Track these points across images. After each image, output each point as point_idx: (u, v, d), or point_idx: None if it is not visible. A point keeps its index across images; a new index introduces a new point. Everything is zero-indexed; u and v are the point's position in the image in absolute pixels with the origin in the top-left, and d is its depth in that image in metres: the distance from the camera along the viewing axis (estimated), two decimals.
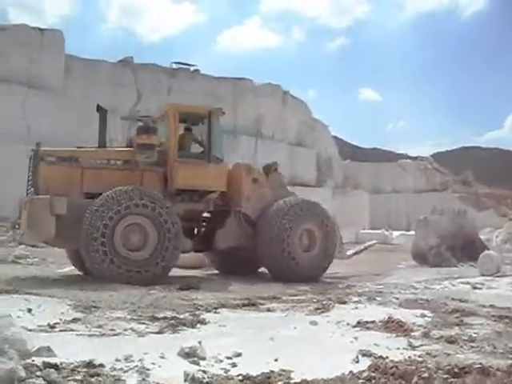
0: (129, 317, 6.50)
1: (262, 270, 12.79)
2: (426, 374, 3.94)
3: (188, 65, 35.32)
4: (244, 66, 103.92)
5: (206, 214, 12.53)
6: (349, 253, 14.77)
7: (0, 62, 25.61)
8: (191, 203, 11.78)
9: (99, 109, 11.76)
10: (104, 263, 9.92)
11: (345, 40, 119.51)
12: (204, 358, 4.49)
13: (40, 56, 26.78)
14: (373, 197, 43.12)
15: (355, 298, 8.34)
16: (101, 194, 10.39)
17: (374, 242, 16.61)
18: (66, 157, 11.01)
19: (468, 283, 10.80)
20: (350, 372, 4.09)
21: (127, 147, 11.88)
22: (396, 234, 33.72)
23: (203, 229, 12.48)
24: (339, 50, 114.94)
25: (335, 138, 47.16)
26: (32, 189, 10.83)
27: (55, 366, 4.00)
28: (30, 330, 5.19)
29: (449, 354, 4.79)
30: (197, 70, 35.29)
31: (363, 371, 4.11)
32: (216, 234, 12.09)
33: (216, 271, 13.20)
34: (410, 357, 4.62)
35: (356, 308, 7.45)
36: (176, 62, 35.01)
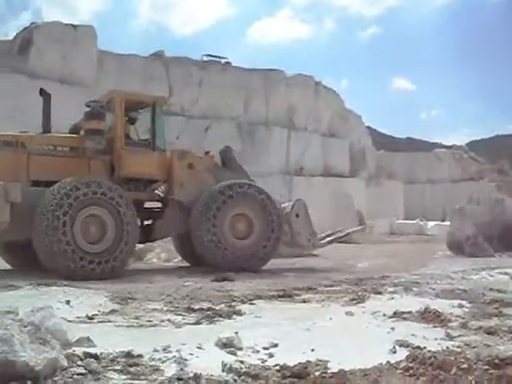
0: (165, 308, 6.57)
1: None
2: (465, 365, 3.89)
3: (219, 57, 35.34)
4: (275, 57, 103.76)
5: (155, 204, 12.28)
6: (323, 241, 14.03)
7: (35, 59, 26.00)
8: (137, 192, 11.52)
9: (42, 93, 11.35)
10: (65, 255, 9.62)
11: (376, 29, 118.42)
12: (241, 349, 4.51)
13: (73, 52, 27.06)
14: (407, 187, 42.65)
15: (391, 289, 8.25)
16: (48, 181, 10.18)
17: (357, 228, 15.61)
18: (11, 141, 10.56)
19: (506, 273, 10.61)
20: (388, 362, 4.06)
21: (71, 133, 11.54)
22: (431, 224, 33.34)
23: (150, 219, 12.09)
24: (371, 39, 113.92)
25: (368, 128, 46.71)
26: None
27: (95, 356, 4.07)
28: (69, 321, 5.27)
29: (488, 345, 4.71)
30: (228, 63, 35.27)
31: (401, 361, 4.07)
32: (154, 225, 11.82)
33: None
34: (448, 347, 4.56)
35: (392, 298, 7.38)
36: (207, 55, 35.06)
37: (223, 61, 35.13)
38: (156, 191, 12.19)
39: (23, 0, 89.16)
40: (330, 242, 14.28)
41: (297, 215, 12.60)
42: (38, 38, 26.34)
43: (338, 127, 39.02)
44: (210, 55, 35.09)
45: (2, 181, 9.74)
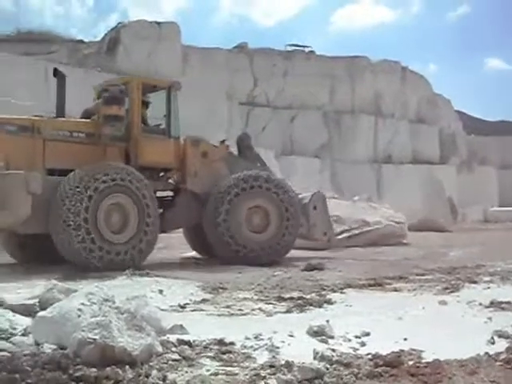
0: (256, 297, 6.62)
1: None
2: None
3: (303, 46, 35.21)
4: (360, 44, 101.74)
5: (167, 194, 11.63)
6: (340, 237, 13.49)
7: (122, 57, 26.85)
8: (152, 182, 10.76)
9: (56, 73, 10.69)
10: (85, 243, 9.16)
11: (466, 8, 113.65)
12: (332, 337, 4.48)
13: (158, 48, 27.72)
14: (501, 172, 40.91)
15: (487, 278, 7.95)
16: (62, 170, 9.63)
17: (374, 227, 14.64)
18: (27, 126, 9.78)
19: None
20: (486, 353, 3.90)
21: (82, 119, 10.84)
22: None
23: (161, 209, 11.27)
24: (461, 19, 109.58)
25: (458, 112, 45.12)
26: (1, 163, 9.32)
27: (188, 343, 4.16)
28: (162, 310, 5.42)
29: None
30: (312, 51, 35.07)
31: (500, 353, 3.91)
32: (164, 215, 11.01)
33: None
34: None
35: (488, 288, 7.10)
36: (291, 45, 35.01)
37: (307, 50, 34.98)
38: (170, 180, 11.55)
39: (110, 2, 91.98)
40: (345, 242, 13.80)
41: (314, 207, 12.16)
42: (125, 37, 27.19)
43: (427, 113, 37.99)
44: (293, 45, 35.02)
45: (18, 169, 9.21)
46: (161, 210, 10.92)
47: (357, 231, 14.83)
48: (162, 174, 11.38)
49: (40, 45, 26.56)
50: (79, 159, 9.75)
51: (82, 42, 29.34)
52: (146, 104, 11.26)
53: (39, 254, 10.27)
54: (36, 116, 10.31)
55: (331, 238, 12.79)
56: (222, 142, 12.26)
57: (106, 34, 28.46)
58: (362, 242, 14.73)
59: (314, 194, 12.55)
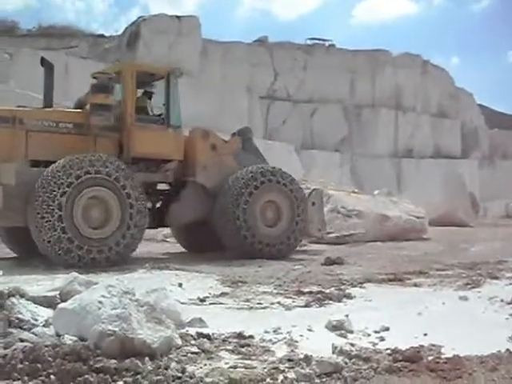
0: (275, 291, 6.63)
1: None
2: None
3: (323, 40, 35.05)
4: (382, 37, 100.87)
5: (164, 187, 11.29)
6: (330, 236, 13.28)
7: (143, 51, 26.95)
8: (148, 174, 10.53)
9: (43, 63, 10.34)
10: (61, 243, 8.72)
11: (490, 0, 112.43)
12: (351, 332, 4.48)
13: (178, 42, 27.79)
14: None
15: (509, 274, 7.87)
16: (48, 161, 9.19)
17: (358, 231, 13.96)
18: (7, 117, 9.47)
19: None
20: (507, 350, 3.87)
21: (76, 109, 10.47)
22: None
23: (159, 203, 11.16)
24: (485, 11, 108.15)
25: (481, 106, 44.59)
26: None
27: (208, 336, 4.19)
28: (182, 303, 5.44)
29: None
30: (332, 45, 34.90)
31: None
32: (170, 209, 10.76)
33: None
34: None
35: (510, 284, 7.02)
36: (311, 38, 34.88)
37: (327, 43, 34.81)
38: (169, 172, 10.95)
39: None
40: (336, 238, 13.69)
41: (313, 203, 12.06)
42: (145, 31, 27.29)
43: (448, 107, 37.64)
44: (314, 38, 34.87)
45: None
46: (156, 205, 10.80)
47: (346, 233, 14.59)
48: (161, 164, 10.86)
49: (61, 40, 26.79)
50: (66, 150, 9.34)
51: (102, 36, 29.52)
52: (148, 94, 11.08)
53: (31, 246, 9.70)
54: (19, 106, 10.13)
55: (323, 235, 12.87)
56: (234, 134, 12.10)
57: (126, 29, 28.59)
58: (382, 236, 14.65)
59: (313, 190, 12.53)
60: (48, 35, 27.00)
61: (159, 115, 10.88)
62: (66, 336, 3.82)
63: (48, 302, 4.90)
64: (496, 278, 7.51)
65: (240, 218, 10.54)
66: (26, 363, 3.29)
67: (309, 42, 34.55)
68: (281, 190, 11.06)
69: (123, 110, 10.24)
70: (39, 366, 3.28)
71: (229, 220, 10.57)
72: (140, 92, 10.96)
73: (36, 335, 3.88)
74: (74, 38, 27.67)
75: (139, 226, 9.48)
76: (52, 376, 3.22)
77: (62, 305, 4.19)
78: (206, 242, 11.47)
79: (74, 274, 5.49)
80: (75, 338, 3.78)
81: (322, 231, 12.59)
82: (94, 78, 10.09)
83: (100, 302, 3.86)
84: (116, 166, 9.39)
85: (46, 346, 3.56)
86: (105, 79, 9.92)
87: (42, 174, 9.01)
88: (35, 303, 4.69)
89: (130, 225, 9.32)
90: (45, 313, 4.45)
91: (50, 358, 3.36)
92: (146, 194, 9.99)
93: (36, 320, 4.24)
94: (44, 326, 4.14)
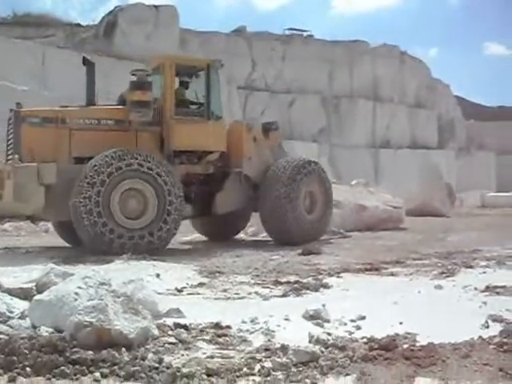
0: (252, 281, 6.65)
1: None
2: None
3: (301, 30, 35.08)
4: (361, 28, 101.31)
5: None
6: None
7: (120, 41, 26.73)
8: (190, 165, 10.90)
9: (85, 62, 10.63)
10: (96, 226, 9.09)
11: None
12: (328, 321, 4.51)
13: (156, 32, 27.62)
14: (500, 158, 40.97)
15: (483, 263, 7.99)
16: (91, 158, 9.53)
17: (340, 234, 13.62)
18: (51, 117, 9.90)
19: None
20: (480, 337, 3.93)
21: (118, 105, 10.76)
22: None
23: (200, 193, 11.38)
24: (463, 3, 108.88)
25: (457, 97, 45.06)
26: (16, 155, 9.44)
27: (185, 327, 4.19)
28: (159, 294, 5.44)
29: None
30: (310, 36, 34.95)
31: (494, 337, 3.94)
32: (215, 198, 11.11)
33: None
34: None
35: (484, 273, 7.14)
36: (289, 29, 34.87)
37: (305, 34, 34.86)
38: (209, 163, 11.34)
39: None
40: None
41: None
42: (122, 21, 27.08)
43: (426, 98, 37.96)
44: (292, 29, 34.88)
45: (43, 160, 9.39)
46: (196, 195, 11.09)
47: None
48: (202, 156, 11.21)
49: (37, 28, 26.44)
50: (108, 146, 9.60)
51: (79, 25, 29.19)
52: (185, 85, 11.20)
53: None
54: (62, 106, 10.45)
55: None
56: (274, 127, 12.44)
57: (103, 18, 28.31)
58: (360, 226, 14.75)
59: None
60: (23, 24, 26.62)
61: (200, 106, 11.11)
62: (42, 328, 3.80)
63: (24, 294, 4.88)
64: (470, 267, 7.61)
65: (293, 208, 11.21)
66: (2, 356, 3.27)
67: (287, 32, 34.58)
68: (319, 181, 11.92)
69: (163, 104, 10.50)
70: (15, 358, 3.26)
71: (284, 210, 11.13)
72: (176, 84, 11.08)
73: (11, 327, 3.85)
74: (50, 27, 27.33)
75: (176, 222, 9.82)
76: (28, 368, 3.20)
77: (37, 296, 4.17)
78: (225, 232, 12.39)
79: (51, 265, 5.46)
80: (51, 330, 3.77)
81: None
82: (133, 75, 10.31)
83: (76, 294, 3.85)
84: (157, 161, 9.72)
85: (22, 339, 3.54)
86: (143, 76, 10.19)
87: (80, 170, 9.38)
88: (11, 295, 4.66)
89: (171, 210, 9.66)
90: (21, 305, 4.42)
91: (25, 351, 3.34)
92: (188, 184, 10.52)
93: (11, 312, 4.21)
94: (20, 318, 4.12)
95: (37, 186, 9.17)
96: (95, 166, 9.29)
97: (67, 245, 11.09)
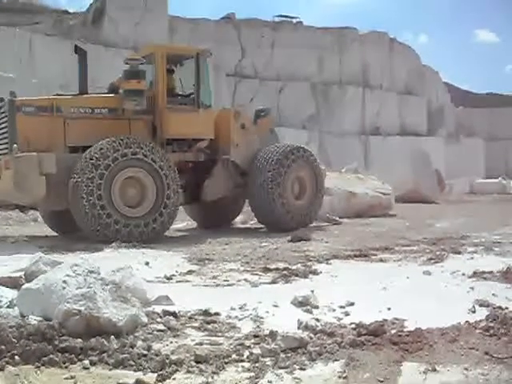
0: (242, 268, 6.67)
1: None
2: None
3: (290, 17, 34.90)
4: (350, 15, 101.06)
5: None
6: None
7: (108, 28, 26.51)
8: (181, 153, 11.01)
9: (77, 50, 10.65)
10: (101, 219, 9.14)
11: None
12: (317, 307, 4.53)
13: (145, 19, 27.38)
14: (489, 144, 41.11)
15: (471, 249, 8.06)
16: (86, 147, 9.55)
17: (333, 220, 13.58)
18: (46, 106, 9.84)
19: None
20: (467, 322, 3.98)
21: (108, 93, 10.75)
22: None
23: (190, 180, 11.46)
24: None
25: (447, 84, 45.09)
26: (15, 145, 9.25)
27: (174, 314, 4.21)
28: (148, 281, 5.44)
29: None
30: (300, 22, 34.78)
31: (480, 321, 3.99)
32: (203, 185, 11.26)
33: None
34: None
35: (472, 258, 7.20)
36: (278, 16, 34.70)
37: (295, 21, 34.68)
38: (200, 150, 11.48)
39: None
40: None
41: None
42: (111, 8, 26.79)
43: (415, 84, 37.94)
44: (281, 15, 34.71)
45: (39, 150, 9.33)
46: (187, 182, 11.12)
47: None
48: (192, 144, 11.32)
49: (23, 15, 26.13)
50: (103, 135, 9.64)
51: (67, 12, 28.85)
52: (170, 72, 11.16)
53: (69, 225, 10.29)
54: (57, 95, 10.42)
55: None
56: (260, 115, 12.49)
57: (90, 5, 28.00)
58: (349, 213, 14.80)
59: None
60: (10, 10, 26.32)
61: (190, 94, 11.16)
62: (31, 316, 3.80)
63: (13, 283, 4.87)
64: (459, 252, 7.67)
65: (280, 194, 11.24)
66: None
67: (276, 19, 34.39)
68: (306, 166, 11.89)
69: (155, 92, 10.58)
70: (3, 347, 3.26)
71: (270, 196, 11.18)
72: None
73: (0, 316, 3.85)
74: (37, 13, 27.02)
75: (176, 204, 9.97)
76: (17, 357, 3.21)
77: (26, 285, 4.17)
78: (218, 219, 12.41)
79: (40, 253, 5.45)
80: (40, 318, 3.77)
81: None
82: (127, 63, 10.34)
83: (65, 282, 3.85)
84: (151, 147, 9.78)
85: (11, 327, 3.54)
86: (136, 65, 10.21)
87: (80, 158, 9.39)
88: (0, 284, 4.66)
89: (168, 204, 9.77)
90: (9, 293, 4.41)
91: (14, 339, 3.35)
92: (179, 172, 10.38)
93: (0, 301, 4.21)
94: (8, 306, 4.11)
95: (38, 175, 9.15)
96: (101, 149, 9.33)
97: (55, 234, 11.12)
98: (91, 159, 9.23)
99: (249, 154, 11.64)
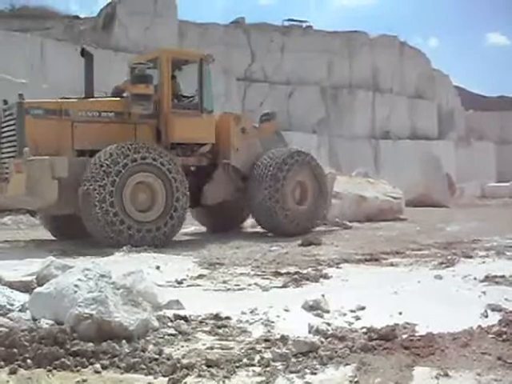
0: (252, 272, 6.67)
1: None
2: None
3: (300, 21, 34.89)
4: (360, 19, 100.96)
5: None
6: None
7: (119, 33, 26.63)
8: (184, 158, 10.98)
9: (84, 53, 10.65)
10: (114, 225, 9.13)
11: None
12: (327, 311, 4.52)
13: (154, 23, 27.48)
14: (500, 148, 40.86)
15: (482, 253, 8.00)
16: (93, 151, 9.57)
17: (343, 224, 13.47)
18: (54, 109, 9.82)
19: None
20: (479, 326, 3.95)
21: (113, 97, 10.83)
22: None
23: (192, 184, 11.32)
24: None
25: (457, 87, 44.91)
26: (26, 148, 9.17)
27: (185, 318, 4.21)
28: (159, 285, 5.45)
29: None
30: (309, 27, 34.78)
31: (493, 326, 3.96)
32: (203, 189, 11.25)
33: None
34: None
35: (483, 262, 7.14)
36: (288, 20, 34.70)
37: (304, 25, 34.68)
38: (202, 155, 11.53)
39: None
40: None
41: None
42: (121, 13, 26.92)
43: (425, 88, 37.81)
44: (291, 20, 34.71)
45: (46, 152, 9.30)
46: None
47: None
48: (195, 148, 11.36)
49: (35, 21, 26.31)
50: (109, 139, 9.66)
51: (77, 17, 29.03)
52: (173, 76, 11.13)
53: (71, 229, 10.46)
54: (64, 98, 10.36)
55: (325, 217, 13.01)
56: (265, 120, 12.50)
57: (101, 10, 28.16)
58: (359, 217, 14.76)
59: (327, 175, 12.76)
60: (21, 16, 26.51)
61: (191, 99, 11.24)
62: (43, 320, 3.82)
63: (25, 287, 4.89)
64: (470, 257, 7.63)
65: (280, 198, 11.22)
66: (2, 348, 3.28)
67: (286, 23, 34.39)
68: (307, 170, 11.81)
69: (160, 96, 10.59)
70: (15, 350, 3.28)
71: (270, 201, 11.15)
72: None
73: (12, 320, 3.87)
74: (48, 19, 27.20)
75: (185, 207, 10.03)
76: (29, 360, 3.22)
77: (38, 289, 4.18)
78: (226, 223, 12.44)
79: (51, 257, 5.47)
80: (52, 322, 3.78)
81: (325, 214, 12.86)
82: (133, 68, 10.39)
83: (76, 286, 3.86)
84: (159, 151, 9.82)
85: (22, 331, 3.56)
86: (144, 70, 10.22)
87: (89, 163, 9.38)
88: (11, 288, 4.68)
89: (178, 207, 9.82)
90: (21, 297, 4.43)
91: (26, 343, 3.36)
92: None
93: (12, 305, 4.23)
94: (20, 310, 4.13)
95: (50, 179, 9.12)
96: (111, 155, 9.30)
97: (66, 238, 10.94)
98: (102, 166, 9.19)
99: (250, 159, 11.64)
